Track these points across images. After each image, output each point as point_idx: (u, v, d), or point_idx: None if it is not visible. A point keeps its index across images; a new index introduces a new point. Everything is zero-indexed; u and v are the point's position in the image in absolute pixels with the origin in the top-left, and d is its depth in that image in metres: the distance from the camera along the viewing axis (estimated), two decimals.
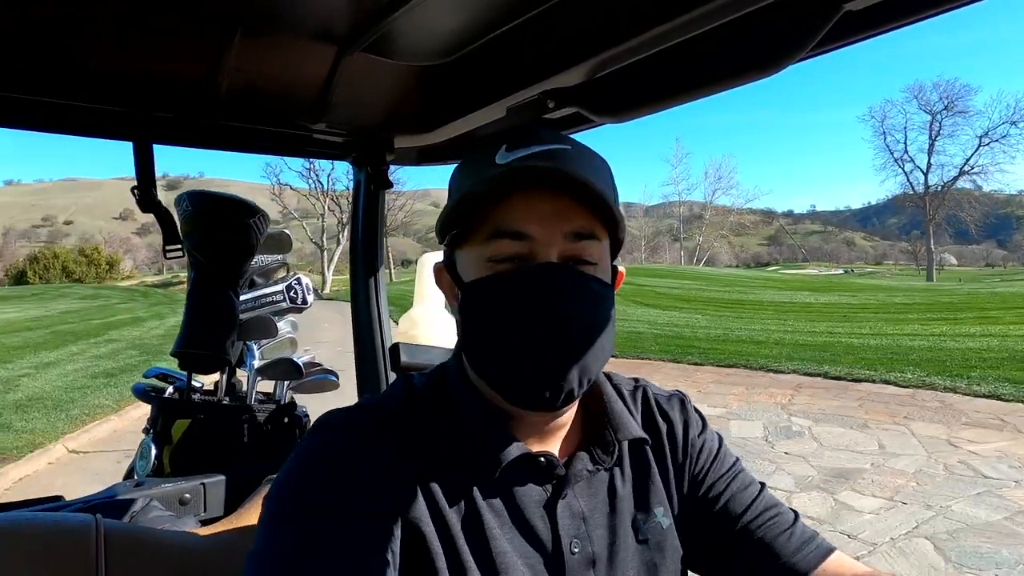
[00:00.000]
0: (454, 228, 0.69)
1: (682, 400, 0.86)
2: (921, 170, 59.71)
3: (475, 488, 0.67)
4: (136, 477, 1.67)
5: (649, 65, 0.91)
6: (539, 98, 1.03)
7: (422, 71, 1.15)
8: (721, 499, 0.78)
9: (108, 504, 1.33)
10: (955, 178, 59.35)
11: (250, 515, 1.12)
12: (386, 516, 0.62)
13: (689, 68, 0.88)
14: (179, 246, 1.30)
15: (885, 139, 62.87)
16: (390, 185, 1.54)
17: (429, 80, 1.20)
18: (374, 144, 1.46)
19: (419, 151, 1.53)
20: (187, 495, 1.48)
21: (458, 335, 0.71)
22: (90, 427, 6.98)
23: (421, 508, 0.64)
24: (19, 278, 51.32)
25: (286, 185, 49.17)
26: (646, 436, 0.77)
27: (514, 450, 0.68)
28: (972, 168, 58.59)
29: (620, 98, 0.98)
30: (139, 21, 0.94)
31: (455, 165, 0.77)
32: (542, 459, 0.70)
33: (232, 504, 1.53)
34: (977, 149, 58.80)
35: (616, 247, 0.73)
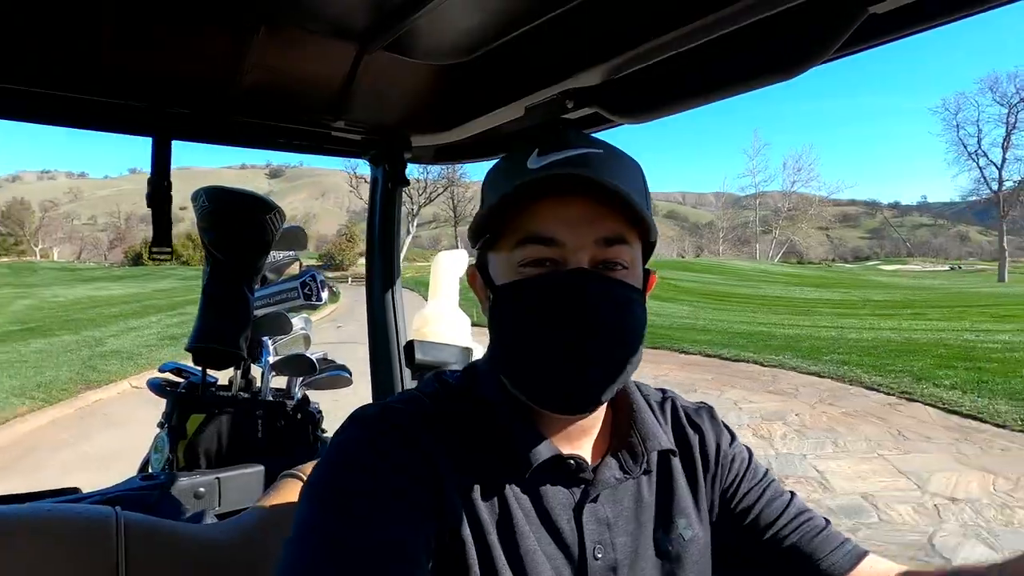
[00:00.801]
0: (487, 232, 0.70)
1: (710, 411, 0.85)
2: (995, 165, 56.58)
3: (506, 485, 0.67)
4: (151, 470, 1.69)
5: (669, 67, 0.91)
6: (558, 98, 1.03)
7: (441, 70, 1.15)
8: (754, 509, 0.77)
9: (125, 497, 1.34)
10: None
11: (265, 509, 1.12)
12: (422, 504, 0.63)
13: (710, 70, 0.88)
14: (168, 249, 1.25)
15: (958, 132, 59.79)
16: (407, 183, 1.55)
17: (448, 79, 1.20)
18: (392, 142, 1.46)
19: (437, 149, 1.54)
20: (202, 489, 1.49)
21: (489, 336, 0.72)
22: (150, 372, 8.96)
23: (455, 500, 0.65)
24: (136, 260, 53.49)
25: (363, 177, 49.27)
26: (675, 448, 0.77)
27: (544, 451, 0.68)
28: None
29: (639, 99, 0.98)
30: (160, 18, 0.95)
31: (487, 164, 0.78)
32: (572, 461, 0.70)
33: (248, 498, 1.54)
34: None
35: (648, 250, 0.73)
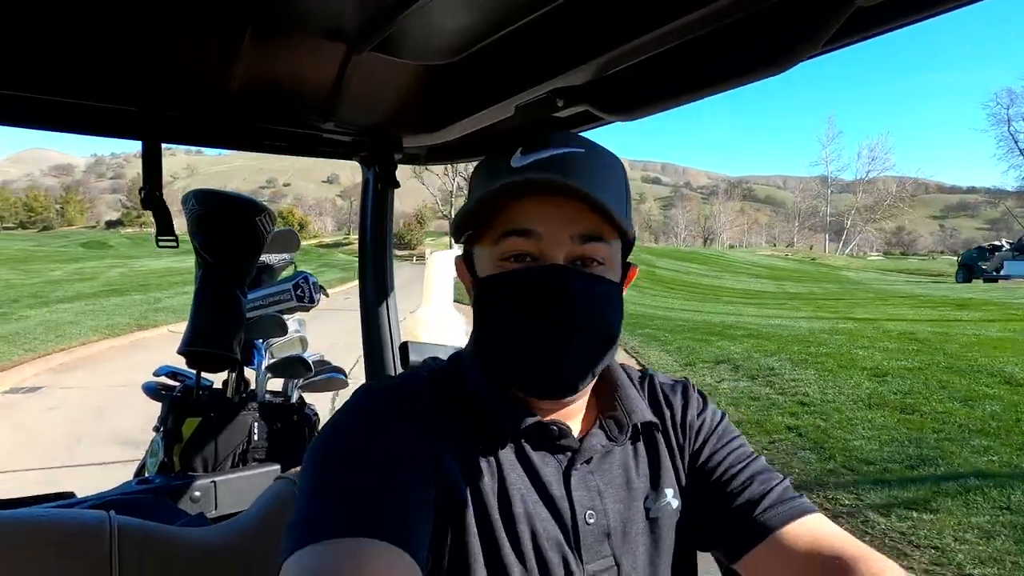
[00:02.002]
0: (469, 228, 0.75)
1: (685, 385, 0.89)
2: None
3: (499, 452, 0.72)
4: (147, 474, 1.69)
5: (658, 63, 0.90)
6: (548, 96, 1.03)
7: (431, 70, 1.15)
8: (716, 471, 0.81)
9: (120, 501, 1.34)
10: None
11: (261, 512, 1.12)
12: (424, 461, 0.67)
13: (699, 65, 0.88)
14: (172, 237, 1.30)
15: (1009, 127, 59.17)
16: (397, 185, 1.54)
17: (438, 79, 1.19)
18: (382, 143, 1.46)
19: (428, 150, 1.53)
20: (197, 492, 1.48)
21: (473, 325, 0.77)
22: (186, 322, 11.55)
23: (452, 465, 0.69)
24: None
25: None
26: (656, 420, 0.81)
27: (526, 419, 0.73)
28: None
29: (629, 96, 0.98)
30: (150, 21, 0.94)
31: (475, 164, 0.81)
32: (554, 428, 0.74)
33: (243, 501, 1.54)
34: None
35: (627, 247, 0.77)
